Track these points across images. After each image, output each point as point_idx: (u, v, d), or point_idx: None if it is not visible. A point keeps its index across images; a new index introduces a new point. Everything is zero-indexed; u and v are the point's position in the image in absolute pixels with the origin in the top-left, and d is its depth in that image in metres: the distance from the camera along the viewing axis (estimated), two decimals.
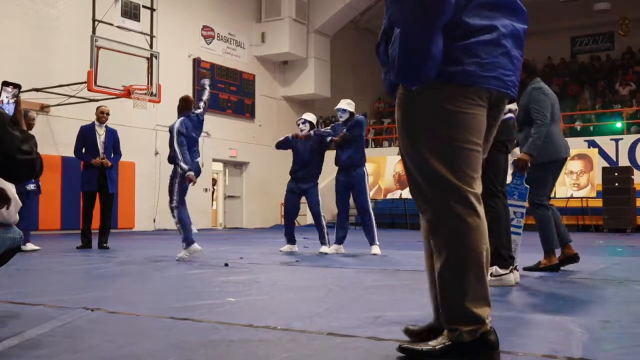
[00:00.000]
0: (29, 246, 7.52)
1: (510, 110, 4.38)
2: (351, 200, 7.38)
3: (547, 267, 5.09)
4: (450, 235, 2.01)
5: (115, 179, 8.15)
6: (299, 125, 7.70)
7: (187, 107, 6.73)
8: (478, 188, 2.04)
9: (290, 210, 7.70)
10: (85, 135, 8.05)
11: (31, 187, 7.57)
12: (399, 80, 2.03)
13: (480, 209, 2.03)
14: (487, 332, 2.01)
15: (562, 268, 5.17)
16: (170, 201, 6.52)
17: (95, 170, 7.91)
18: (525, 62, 5.41)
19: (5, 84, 2.74)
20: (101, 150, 7.97)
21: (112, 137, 8.12)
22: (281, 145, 7.83)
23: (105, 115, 8.08)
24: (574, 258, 5.18)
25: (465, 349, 1.99)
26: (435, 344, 2.05)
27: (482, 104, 2.04)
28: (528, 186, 4.79)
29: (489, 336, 2.01)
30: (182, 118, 6.63)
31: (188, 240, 6.37)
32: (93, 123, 8.13)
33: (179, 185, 6.47)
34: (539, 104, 5.03)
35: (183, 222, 6.44)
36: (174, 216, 6.51)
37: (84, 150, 8.05)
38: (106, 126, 8.11)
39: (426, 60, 1.92)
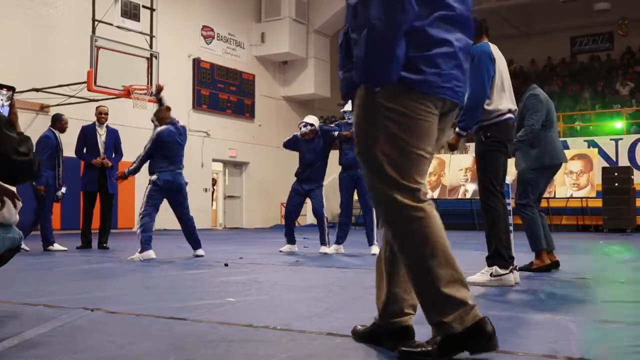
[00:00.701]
0: (56, 246, 7.64)
1: (509, 111, 4.37)
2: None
3: (539, 267, 5.09)
4: (406, 227, 2.06)
5: None
6: (301, 129, 7.71)
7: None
8: (424, 189, 2.13)
9: (292, 210, 7.71)
10: (86, 135, 8.06)
11: (60, 193, 7.79)
12: (363, 80, 2.09)
13: (429, 202, 2.11)
14: (482, 322, 1.98)
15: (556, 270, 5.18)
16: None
17: (96, 171, 7.92)
18: (520, 68, 5.43)
19: None
20: (102, 150, 7.98)
21: (113, 137, 8.12)
22: (289, 144, 7.83)
23: (103, 115, 8.07)
24: (556, 265, 5.23)
25: (460, 341, 1.97)
26: (430, 343, 2.04)
27: (436, 112, 2.13)
28: (508, 183, 4.80)
29: (484, 326, 1.98)
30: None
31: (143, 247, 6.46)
32: (94, 123, 8.13)
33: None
34: (535, 111, 5.13)
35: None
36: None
37: (84, 151, 8.06)
38: (107, 126, 8.12)
39: (390, 61, 2.01)
